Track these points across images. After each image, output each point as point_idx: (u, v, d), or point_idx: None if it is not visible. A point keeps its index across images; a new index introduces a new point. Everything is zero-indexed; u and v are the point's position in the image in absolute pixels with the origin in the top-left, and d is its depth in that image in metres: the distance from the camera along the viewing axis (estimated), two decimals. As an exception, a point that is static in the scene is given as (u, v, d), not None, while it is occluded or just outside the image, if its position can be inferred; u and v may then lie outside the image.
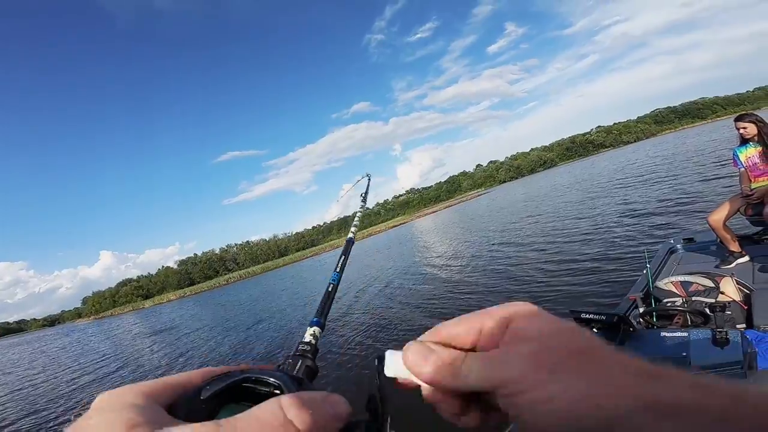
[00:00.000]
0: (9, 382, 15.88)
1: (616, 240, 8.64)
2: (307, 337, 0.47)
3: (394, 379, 0.32)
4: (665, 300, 3.00)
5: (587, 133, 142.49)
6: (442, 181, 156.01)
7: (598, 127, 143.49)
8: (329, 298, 0.57)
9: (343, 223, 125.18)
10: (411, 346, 0.30)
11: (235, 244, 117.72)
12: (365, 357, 6.19)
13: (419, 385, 0.31)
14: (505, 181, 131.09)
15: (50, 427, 7.88)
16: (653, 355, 2.14)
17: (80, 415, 0.24)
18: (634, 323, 2.60)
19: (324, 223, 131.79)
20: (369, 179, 1.35)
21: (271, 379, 0.28)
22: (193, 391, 0.27)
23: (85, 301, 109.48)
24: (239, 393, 0.28)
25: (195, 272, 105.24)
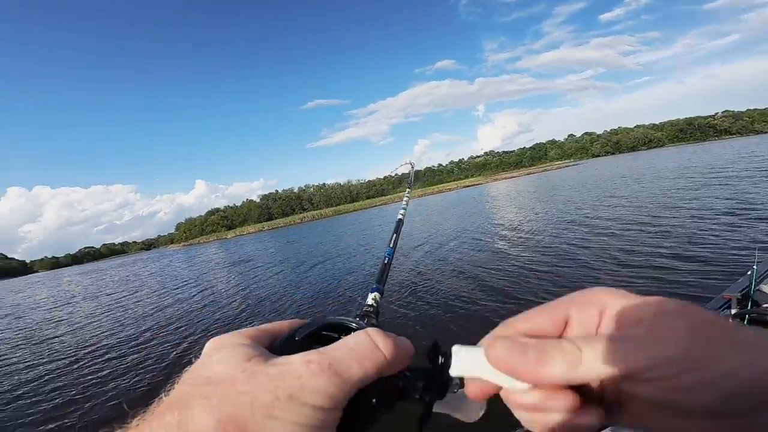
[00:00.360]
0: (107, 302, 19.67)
1: (716, 237, 7.91)
2: (370, 301, 0.53)
3: (454, 382, 0.31)
4: (765, 305, 2.79)
5: (711, 116, 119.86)
6: (527, 147, 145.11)
7: (725, 111, 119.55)
8: (386, 269, 0.64)
9: (414, 176, 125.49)
10: (496, 342, 0.27)
11: (312, 186, 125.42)
12: (420, 320, 6.49)
13: (497, 387, 0.28)
14: (598, 156, 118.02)
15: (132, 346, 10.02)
16: None
17: (197, 357, 0.30)
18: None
19: (395, 175, 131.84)
20: (413, 167, 1.54)
21: (354, 325, 0.34)
22: (287, 333, 0.33)
23: (178, 227, 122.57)
24: (323, 339, 0.33)
25: (274, 208, 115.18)
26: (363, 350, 0.28)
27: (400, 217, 0.94)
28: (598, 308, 0.27)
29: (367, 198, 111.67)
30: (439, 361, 0.32)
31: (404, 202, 1.11)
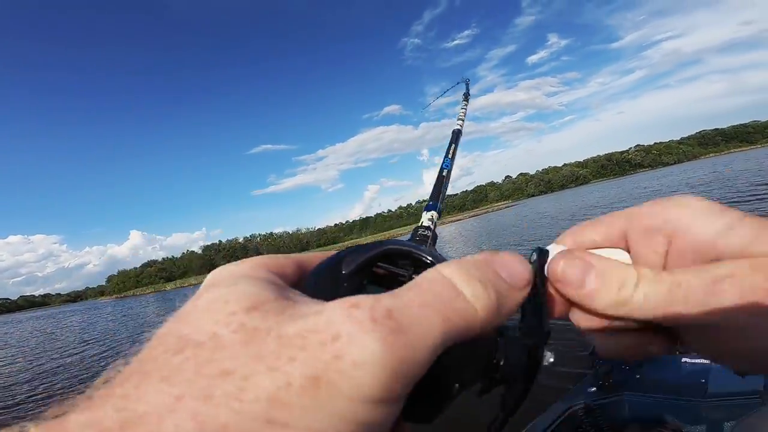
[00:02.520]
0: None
1: None
2: (425, 222, 0.41)
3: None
4: None
5: (625, 151, 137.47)
6: (468, 190, 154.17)
7: (637, 146, 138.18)
8: (443, 183, 0.53)
9: (365, 223, 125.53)
10: (566, 263, 0.22)
11: (259, 235, 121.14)
12: None
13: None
14: (534, 195, 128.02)
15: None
16: (671, 379, 2.21)
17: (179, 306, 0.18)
18: None
19: (346, 222, 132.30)
20: (468, 84, 1.12)
21: (427, 257, 0.21)
22: (329, 263, 0.21)
23: (109, 279, 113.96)
24: (381, 280, 0.22)
25: (218, 259, 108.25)
26: (446, 296, 0.17)
27: (457, 127, 0.82)
28: (668, 231, 0.21)
29: (318, 246, 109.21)
30: (540, 311, 0.21)
31: (461, 112, 0.89)
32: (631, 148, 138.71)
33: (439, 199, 0.48)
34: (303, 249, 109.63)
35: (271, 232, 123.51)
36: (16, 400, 8.39)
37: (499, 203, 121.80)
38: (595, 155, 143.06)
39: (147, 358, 0.15)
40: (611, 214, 0.24)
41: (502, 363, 0.19)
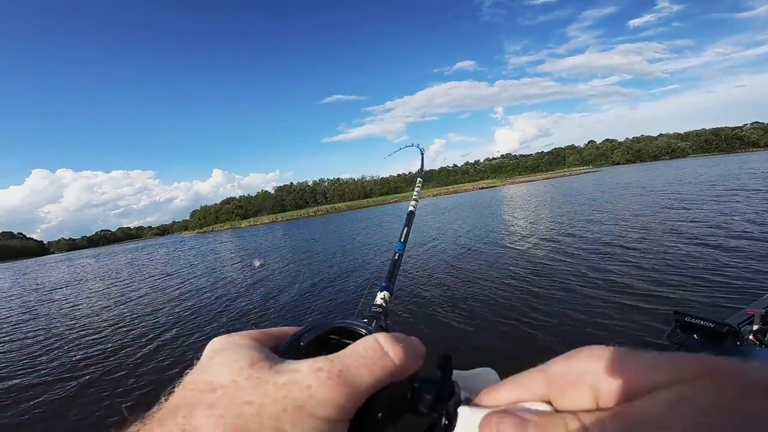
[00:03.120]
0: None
1: (743, 252, 7.70)
2: (378, 300, 0.49)
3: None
4: None
5: (738, 127, 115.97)
6: (545, 151, 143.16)
7: (755, 122, 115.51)
8: (396, 265, 0.58)
9: (428, 175, 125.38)
10: (498, 420, 0.24)
11: (327, 179, 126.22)
12: (430, 320, 6.43)
13: None
14: (619, 163, 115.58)
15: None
16: None
17: (198, 358, 0.28)
18: (745, 338, 2.48)
19: (409, 173, 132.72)
20: (422, 153, 1.29)
21: (362, 329, 0.31)
22: (292, 336, 0.31)
23: (193, 214, 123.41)
24: (329, 345, 0.31)
25: (288, 199, 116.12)
26: (373, 356, 0.27)
27: (411, 209, 0.87)
28: (589, 383, 0.23)
29: (381, 195, 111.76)
30: (452, 374, 0.30)
31: (416, 193, 0.99)
32: (746, 124, 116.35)
33: (392, 281, 0.53)
34: (366, 195, 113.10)
35: (338, 178, 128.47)
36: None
37: (578, 168, 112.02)
38: (699, 128, 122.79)
39: (187, 395, 0.25)
40: (527, 374, 0.26)
41: (410, 398, 0.29)
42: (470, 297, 7.44)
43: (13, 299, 17.52)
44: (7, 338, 9.81)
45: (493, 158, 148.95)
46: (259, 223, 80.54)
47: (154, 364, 6.50)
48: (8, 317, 12.85)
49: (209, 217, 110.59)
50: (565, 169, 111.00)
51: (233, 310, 9.53)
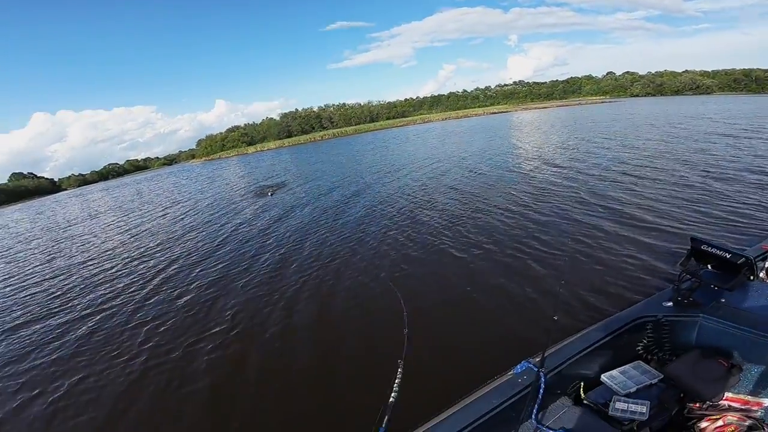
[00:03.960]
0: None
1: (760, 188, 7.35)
2: None
3: None
4: None
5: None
6: (560, 80, 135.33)
7: None
8: None
9: (436, 100, 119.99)
10: None
11: (332, 105, 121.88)
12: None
13: None
14: (638, 96, 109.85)
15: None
16: (754, 310, 2.07)
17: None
18: (759, 273, 2.42)
19: (417, 97, 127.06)
20: None
21: None
22: None
23: (199, 143, 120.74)
24: None
25: (294, 125, 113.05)
26: None
27: None
28: None
29: (388, 119, 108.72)
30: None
31: None
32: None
33: None
34: (373, 120, 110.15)
35: (344, 103, 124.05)
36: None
37: (593, 97, 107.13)
38: (729, 68, 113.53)
39: None
40: None
41: None
42: (470, 222, 7.54)
43: (30, 241, 16.18)
44: (32, 280, 9.43)
45: (505, 84, 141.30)
46: (266, 148, 79.90)
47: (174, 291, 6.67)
48: (31, 257, 12.37)
49: (215, 146, 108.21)
50: (581, 98, 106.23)
51: (243, 233, 9.81)
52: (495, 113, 73.54)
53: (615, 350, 2.24)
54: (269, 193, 15.37)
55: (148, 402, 3.93)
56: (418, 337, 3.05)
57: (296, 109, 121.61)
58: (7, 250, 14.75)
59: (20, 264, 11.55)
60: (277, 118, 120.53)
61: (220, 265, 7.66)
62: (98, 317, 6.27)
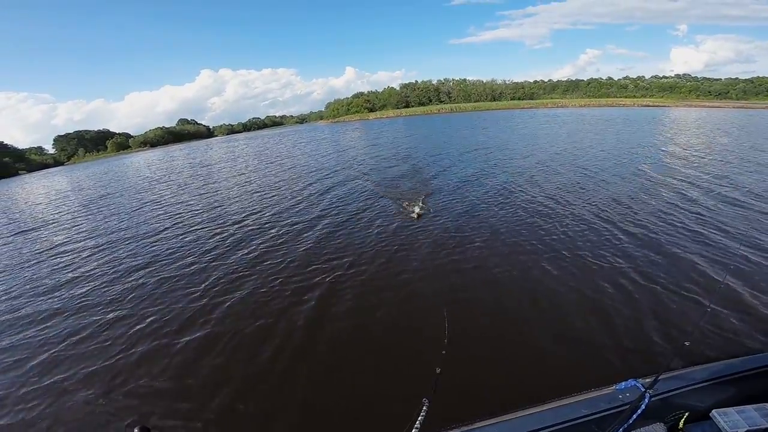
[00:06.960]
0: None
1: None
2: None
3: None
4: None
5: None
6: (741, 78, 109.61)
7: None
8: None
9: (573, 85, 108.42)
10: None
11: (452, 79, 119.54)
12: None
13: None
14: None
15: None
16: None
17: None
18: None
19: (549, 80, 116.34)
20: None
21: None
22: None
23: (327, 106, 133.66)
24: None
25: (412, 96, 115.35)
26: None
27: None
28: None
29: (512, 99, 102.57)
30: None
31: None
32: None
33: None
34: (494, 99, 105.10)
35: (465, 79, 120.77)
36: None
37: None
38: None
39: None
40: None
41: None
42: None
43: (183, 172, 25.32)
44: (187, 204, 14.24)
45: (665, 77, 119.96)
46: (384, 116, 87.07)
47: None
48: (186, 185, 18.86)
49: (341, 109, 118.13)
50: (764, 101, 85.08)
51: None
52: (648, 106, 63.75)
53: (740, 390, 2.04)
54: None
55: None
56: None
57: (415, 81, 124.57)
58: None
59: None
60: (398, 89, 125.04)
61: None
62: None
